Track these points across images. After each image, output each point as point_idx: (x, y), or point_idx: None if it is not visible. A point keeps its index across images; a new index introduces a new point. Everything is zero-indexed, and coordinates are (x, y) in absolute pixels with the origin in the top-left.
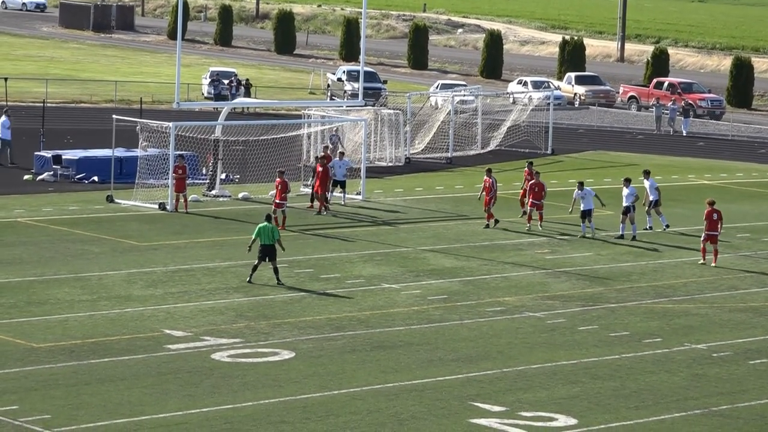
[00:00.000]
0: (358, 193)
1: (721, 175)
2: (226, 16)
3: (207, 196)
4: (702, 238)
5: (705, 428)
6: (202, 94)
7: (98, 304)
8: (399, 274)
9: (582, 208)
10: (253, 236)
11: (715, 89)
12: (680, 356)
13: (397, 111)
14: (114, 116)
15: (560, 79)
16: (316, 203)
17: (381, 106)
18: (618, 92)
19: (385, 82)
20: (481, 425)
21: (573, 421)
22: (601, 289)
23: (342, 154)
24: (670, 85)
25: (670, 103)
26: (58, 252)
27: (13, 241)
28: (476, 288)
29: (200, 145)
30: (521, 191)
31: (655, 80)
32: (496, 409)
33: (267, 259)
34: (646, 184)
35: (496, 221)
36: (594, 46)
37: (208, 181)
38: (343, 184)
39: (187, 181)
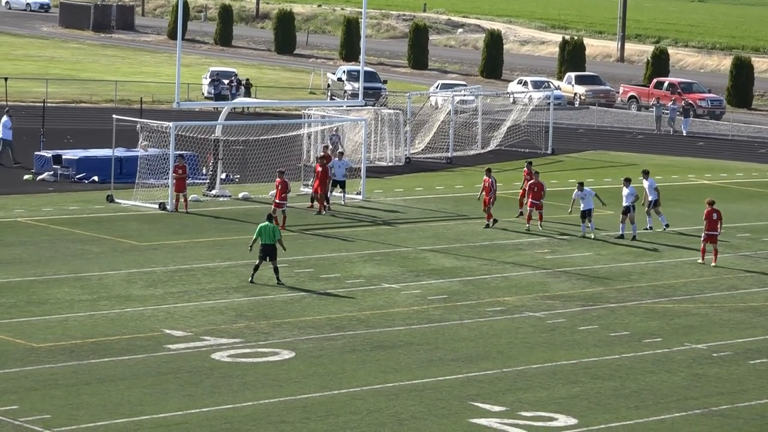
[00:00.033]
0: (358, 193)
1: (721, 174)
2: (226, 15)
3: (207, 195)
4: (702, 238)
5: (705, 428)
6: (203, 93)
7: (98, 304)
8: (399, 274)
9: (582, 208)
10: (254, 236)
11: (715, 89)
12: (680, 356)
13: (398, 111)
14: (114, 116)
15: (560, 79)
16: (317, 203)
17: (381, 105)
18: (618, 92)
19: (385, 82)
20: (481, 425)
21: (573, 421)
22: (601, 289)
23: (341, 154)
24: (670, 85)
25: (670, 103)
26: (58, 252)
27: (13, 240)
28: (476, 288)
29: (200, 145)
30: (521, 191)
31: (655, 80)
32: (496, 409)
33: (267, 259)
34: (645, 184)
35: (495, 221)
36: (594, 46)
37: (208, 180)
38: (342, 184)
39: (188, 181)
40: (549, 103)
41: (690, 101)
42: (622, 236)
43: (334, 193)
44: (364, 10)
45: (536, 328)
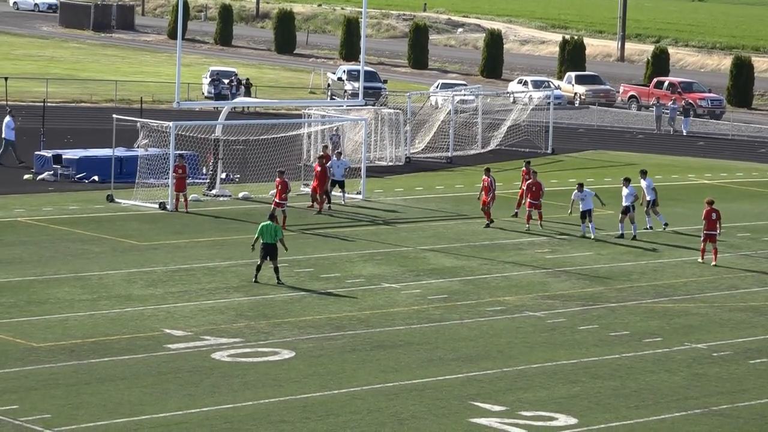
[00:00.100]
0: (359, 193)
1: (721, 174)
2: (226, 15)
3: (207, 195)
4: (701, 238)
5: (705, 428)
6: (203, 93)
7: (98, 304)
8: (399, 274)
9: (581, 209)
10: (256, 235)
11: (716, 89)
12: (680, 356)
13: (398, 110)
14: (114, 116)
15: (560, 78)
16: (317, 203)
17: (381, 105)
18: (618, 92)
19: (385, 81)
20: (482, 425)
21: (573, 421)
22: (602, 289)
23: (339, 153)
24: (671, 84)
25: (671, 102)
26: (58, 251)
27: (13, 240)
28: (476, 287)
29: (200, 145)
30: (519, 191)
31: (655, 80)
32: (497, 408)
33: (268, 258)
34: (643, 184)
35: (492, 221)
36: (594, 46)
37: (208, 180)
38: (341, 184)
39: (188, 181)
40: (549, 103)
41: (690, 101)
42: (622, 236)
43: (333, 193)
44: (364, 10)
45: (536, 327)
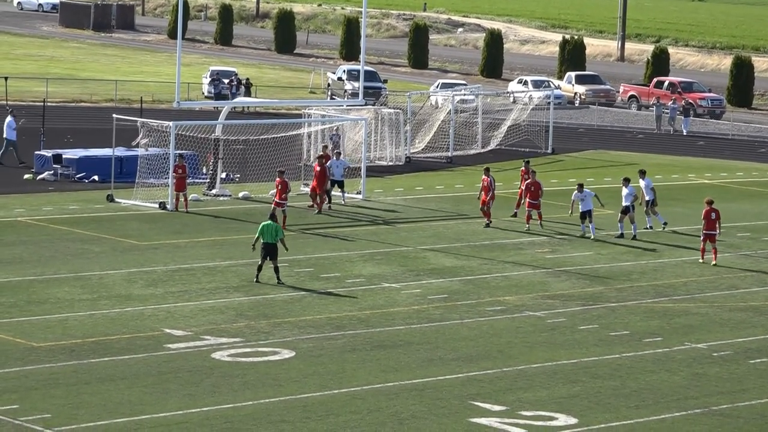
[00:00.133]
0: (359, 193)
1: (722, 174)
2: (226, 15)
3: (207, 195)
4: (701, 238)
5: (705, 427)
6: (203, 93)
7: (98, 304)
8: (399, 274)
9: (581, 210)
10: (257, 234)
11: (716, 88)
12: (680, 355)
13: (398, 110)
14: (114, 115)
15: (560, 78)
16: (317, 200)
17: (381, 105)
18: (618, 91)
19: (385, 81)
20: (482, 424)
21: (573, 421)
22: (602, 289)
23: (339, 153)
24: (671, 84)
25: (671, 102)
26: (59, 251)
27: (14, 240)
28: (476, 287)
29: (200, 145)
30: (518, 191)
31: (655, 79)
32: (497, 408)
33: (268, 258)
34: (642, 183)
35: (489, 222)
36: (594, 46)
37: (208, 180)
38: (341, 184)
39: (188, 181)
40: (549, 103)
41: (690, 101)
42: (621, 235)
43: (333, 193)
44: (365, 10)
45: (536, 327)
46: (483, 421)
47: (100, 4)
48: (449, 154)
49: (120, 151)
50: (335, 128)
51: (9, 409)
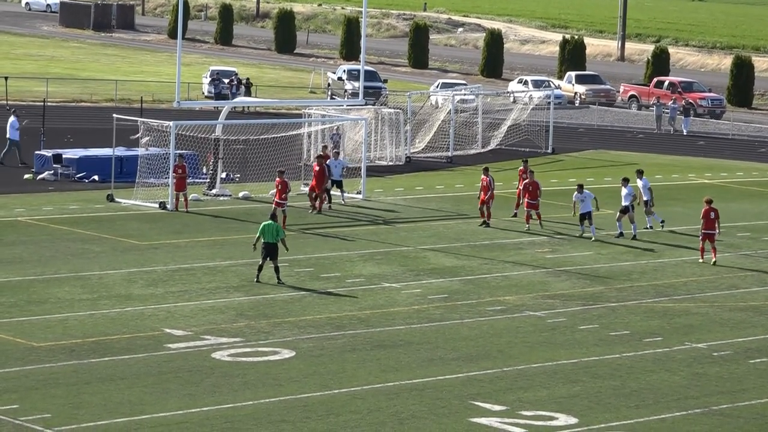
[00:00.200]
0: (359, 192)
1: (722, 174)
2: (226, 15)
3: (207, 195)
4: (700, 237)
5: (705, 427)
6: (203, 93)
7: (98, 303)
8: (399, 273)
9: (581, 211)
10: (258, 234)
11: (716, 88)
12: (680, 355)
13: (398, 110)
14: (114, 115)
15: (561, 78)
16: (317, 202)
17: (381, 105)
18: (618, 91)
19: (385, 81)
20: (482, 424)
21: (573, 420)
22: (602, 288)
23: (337, 153)
24: (671, 84)
25: (671, 102)
26: (59, 251)
27: (14, 240)
28: (476, 287)
29: (200, 144)
30: (517, 190)
31: (655, 79)
32: (497, 408)
33: (269, 258)
34: (640, 183)
35: (486, 223)
36: (594, 45)
37: (208, 180)
38: (339, 184)
39: (188, 180)
40: (549, 103)
41: (690, 100)
42: (621, 235)
43: (333, 193)
44: (365, 10)
45: (536, 327)
46: (483, 420)
47: (100, 4)
48: (449, 153)
49: (120, 151)
50: (335, 128)
51: (9, 409)
